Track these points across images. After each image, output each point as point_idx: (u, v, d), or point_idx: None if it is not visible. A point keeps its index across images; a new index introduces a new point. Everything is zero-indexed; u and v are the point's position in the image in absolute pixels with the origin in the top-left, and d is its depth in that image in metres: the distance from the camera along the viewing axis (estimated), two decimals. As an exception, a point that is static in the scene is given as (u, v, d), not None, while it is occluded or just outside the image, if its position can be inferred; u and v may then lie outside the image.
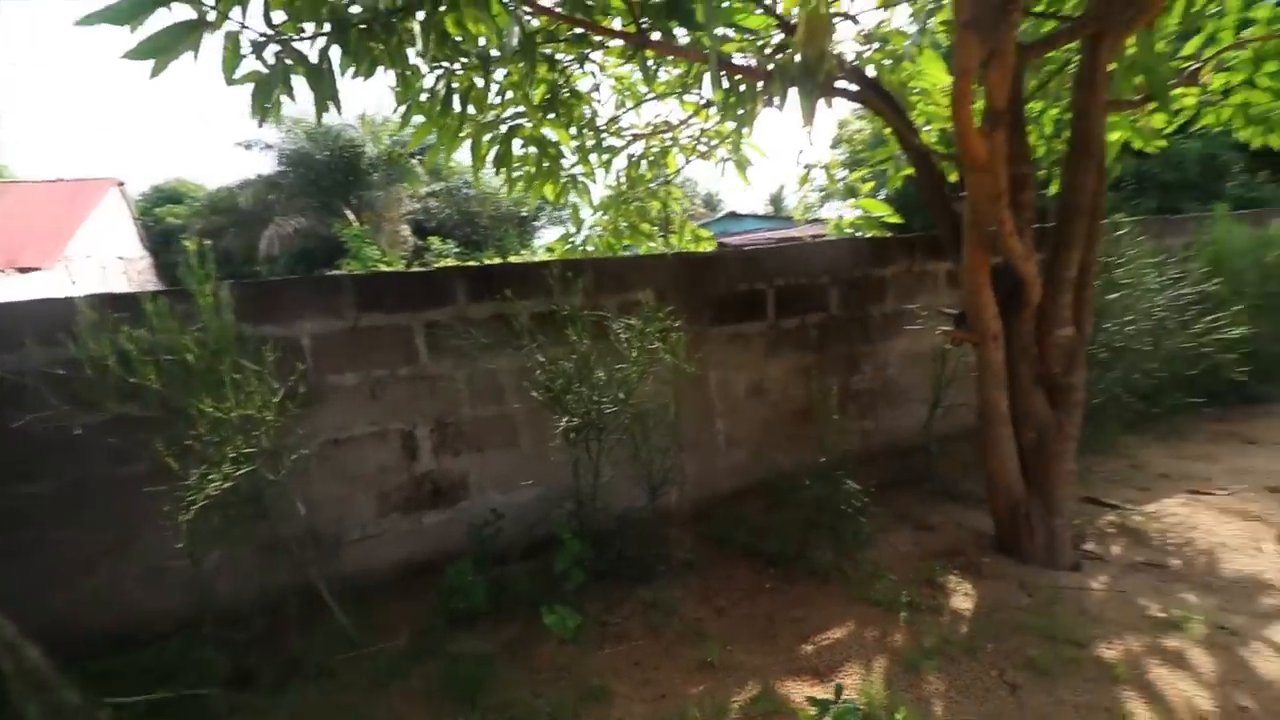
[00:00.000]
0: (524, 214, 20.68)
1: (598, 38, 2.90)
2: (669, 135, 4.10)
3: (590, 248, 4.03)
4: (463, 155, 3.46)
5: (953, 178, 3.43)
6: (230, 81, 1.74)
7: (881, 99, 2.92)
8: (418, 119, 2.77)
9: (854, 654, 2.19)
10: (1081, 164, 2.57)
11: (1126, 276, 3.73)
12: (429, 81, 2.63)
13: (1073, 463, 2.66)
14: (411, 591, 2.71)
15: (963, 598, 2.50)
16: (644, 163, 4.26)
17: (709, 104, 3.70)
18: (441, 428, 2.85)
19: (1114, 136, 3.86)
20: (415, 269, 3.59)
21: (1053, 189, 4.00)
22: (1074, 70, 2.89)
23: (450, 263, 14.46)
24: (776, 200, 35.19)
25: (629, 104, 3.82)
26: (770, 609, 2.53)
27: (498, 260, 14.21)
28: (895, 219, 4.92)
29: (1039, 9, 2.95)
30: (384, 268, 14.74)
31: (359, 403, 2.67)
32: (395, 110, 2.67)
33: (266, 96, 1.80)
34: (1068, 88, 3.30)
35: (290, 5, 1.84)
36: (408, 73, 2.40)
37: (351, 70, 2.06)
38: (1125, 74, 2.94)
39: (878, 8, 3.73)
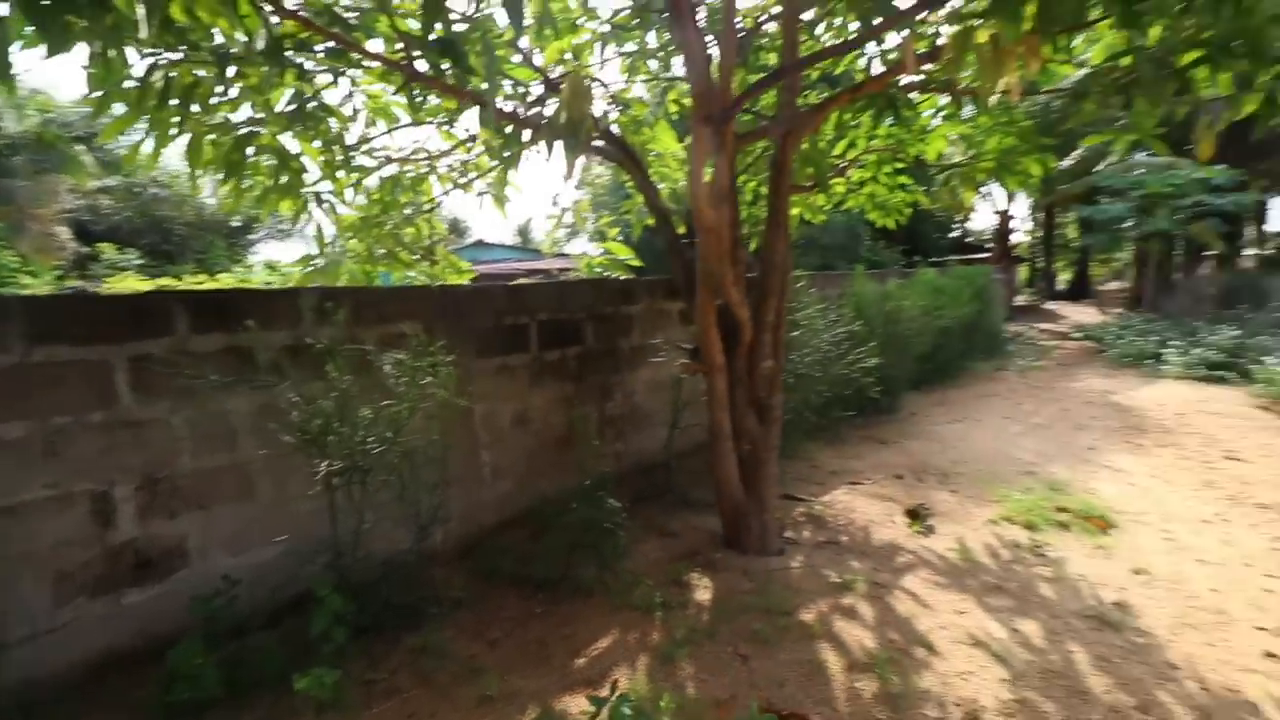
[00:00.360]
0: (235, 224, 17.74)
1: (357, 56, 2.79)
2: (426, 162, 4.05)
3: (344, 274, 3.73)
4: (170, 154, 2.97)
5: (681, 230, 4.05)
6: None
7: (631, 161, 3.34)
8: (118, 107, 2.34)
9: (621, 657, 2.43)
10: (775, 232, 3.28)
11: (803, 319, 4.76)
12: (140, 70, 2.25)
13: (775, 467, 3.33)
14: (117, 691, 2.19)
15: (703, 591, 2.93)
16: (398, 187, 4.12)
17: (472, 138, 3.77)
18: (151, 484, 2.37)
19: (794, 211, 4.93)
20: (120, 291, 2.85)
21: (753, 247, 4.95)
22: (770, 157, 3.66)
23: (132, 278, 11.66)
24: (524, 231, 35.99)
25: (382, 124, 3.69)
26: (542, 632, 2.65)
27: (230, 283, 11.89)
28: (637, 262, 5.53)
29: (748, 111, 3.69)
30: (28, 280, 11.29)
31: (28, 460, 2.10)
32: (90, 93, 2.22)
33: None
34: (765, 172, 4.15)
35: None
36: (111, 54, 2.03)
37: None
38: (801, 166, 3.85)
39: (622, 73, 4.24)
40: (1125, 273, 23.99)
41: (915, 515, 3.71)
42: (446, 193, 4.28)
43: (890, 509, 3.88)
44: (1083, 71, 2.86)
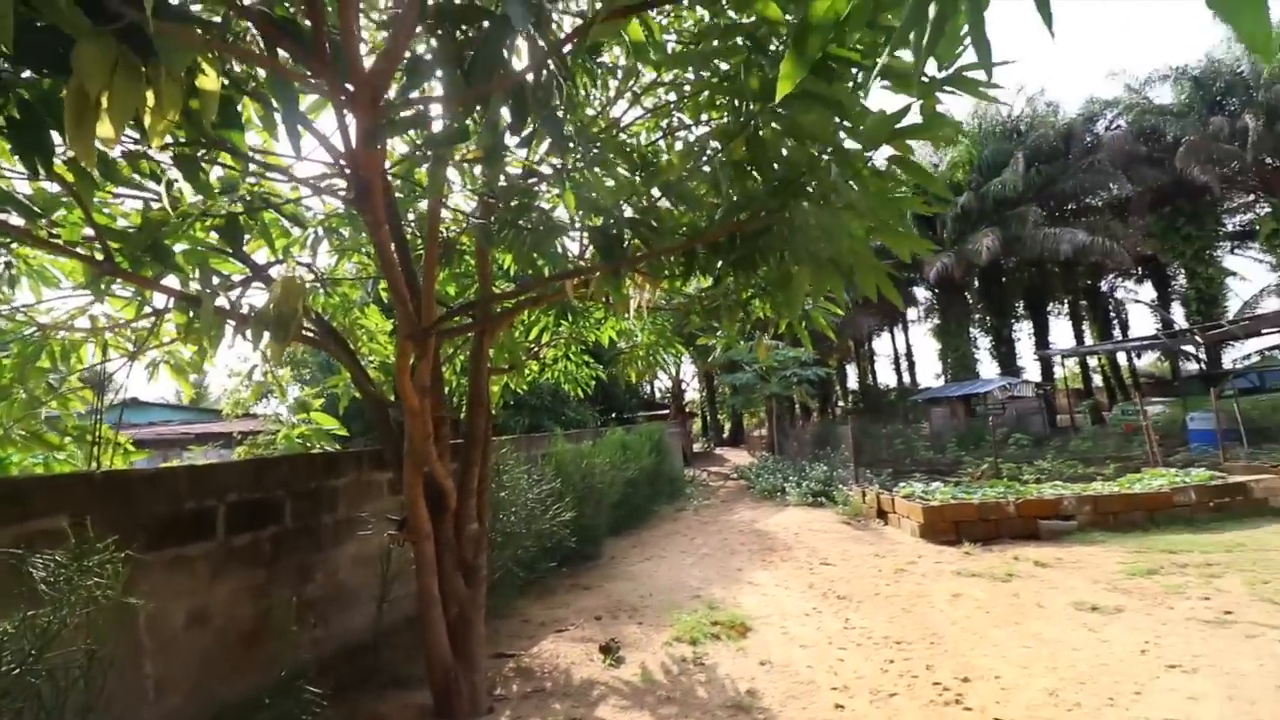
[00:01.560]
0: None
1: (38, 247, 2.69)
2: (87, 331, 3.71)
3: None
4: None
5: (391, 397, 4.36)
6: None
7: (340, 345, 3.64)
8: None
9: None
10: (476, 410, 3.84)
11: (509, 480, 5.29)
12: None
13: (483, 627, 3.60)
14: None
15: (411, 767, 2.94)
16: (43, 352, 3.64)
17: (158, 313, 3.64)
18: None
19: (496, 388, 5.63)
20: None
21: (463, 415, 5.44)
22: (471, 346, 4.31)
23: None
24: (199, 388, 30.58)
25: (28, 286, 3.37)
26: None
27: None
28: (343, 431, 5.54)
29: (453, 306, 4.33)
30: None
31: None
32: None
33: None
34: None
35: None
36: None
37: None
38: (498, 353, 4.59)
39: (330, 255, 4.60)
40: (765, 423, 30.68)
41: (608, 650, 4.25)
42: (107, 359, 3.91)
43: (589, 649, 4.37)
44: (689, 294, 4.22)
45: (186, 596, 3.27)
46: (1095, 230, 19.59)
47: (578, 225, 2.86)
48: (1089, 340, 28.57)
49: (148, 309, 3.64)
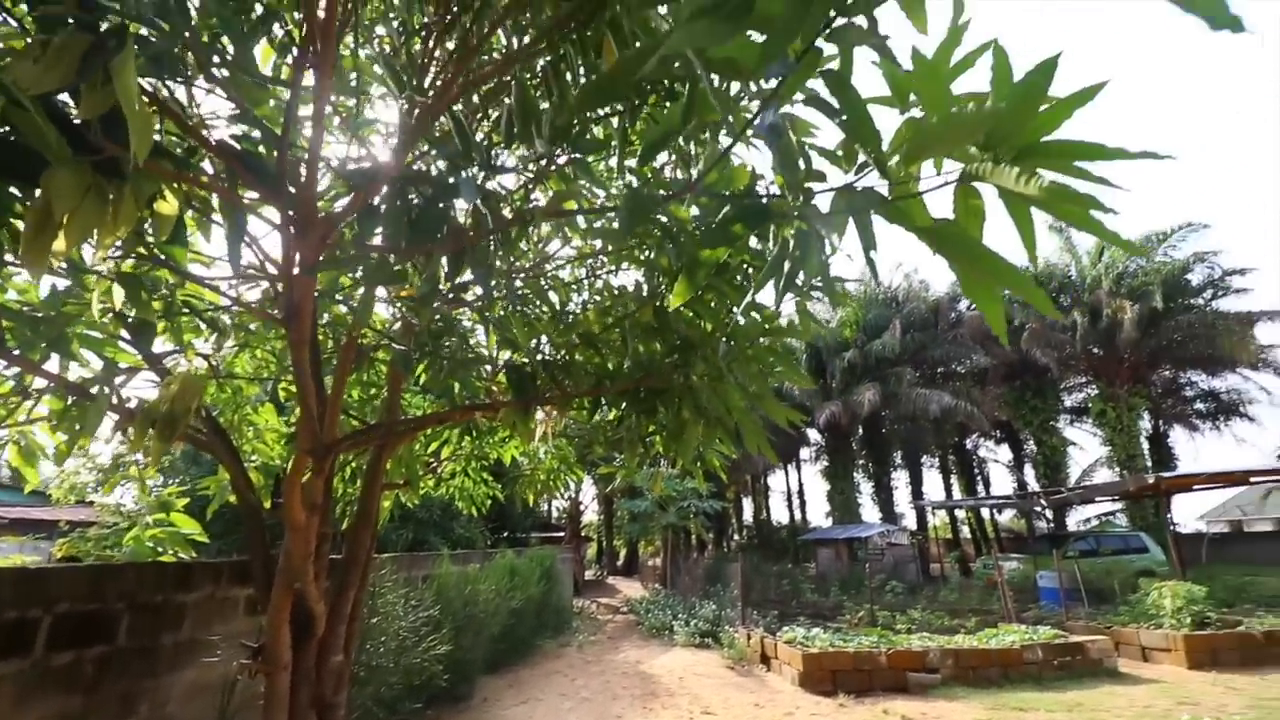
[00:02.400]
0: None
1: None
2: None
3: None
4: None
5: (267, 505, 4.12)
6: None
7: (227, 449, 3.49)
8: None
9: None
10: (364, 527, 3.71)
11: (383, 606, 4.97)
12: None
13: (333, 776, 3.24)
14: None
15: None
16: None
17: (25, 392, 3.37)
18: None
19: (387, 503, 5.44)
20: None
21: (345, 524, 5.15)
22: (368, 459, 4.23)
23: None
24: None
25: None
26: None
27: None
28: (203, 538, 5.08)
29: (354, 423, 4.30)
30: None
31: None
32: None
33: None
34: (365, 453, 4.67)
35: None
36: None
37: None
38: (394, 466, 4.51)
39: (223, 346, 4.46)
40: (660, 553, 30.21)
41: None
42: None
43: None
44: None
45: (-27, 729, 2.78)
46: (959, 395, 22.05)
47: (493, 357, 3.05)
48: (956, 493, 31.03)
49: (10, 383, 3.38)
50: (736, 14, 0.82)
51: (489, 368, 3.20)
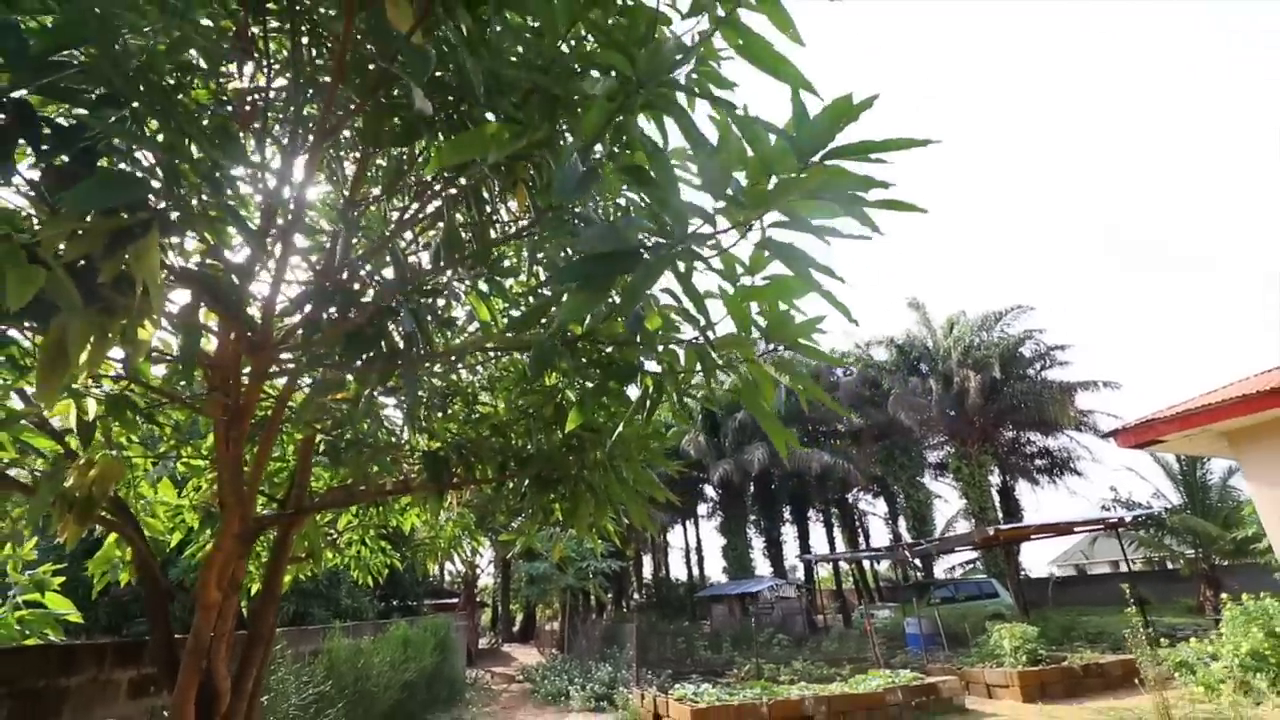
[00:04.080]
0: None
1: None
2: None
3: None
4: None
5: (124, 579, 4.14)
6: None
7: (136, 531, 3.55)
8: None
9: None
10: (269, 604, 3.83)
11: (276, 682, 4.93)
12: None
13: None
14: None
15: None
16: None
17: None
18: None
19: (288, 577, 5.44)
20: None
21: (254, 589, 5.08)
22: (274, 538, 4.34)
23: None
24: None
25: None
26: None
27: None
28: (77, 618, 4.88)
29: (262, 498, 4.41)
30: None
31: None
32: None
33: None
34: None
35: None
36: None
37: None
38: (299, 541, 4.63)
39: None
40: (558, 615, 29.55)
41: None
42: None
43: None
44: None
45: None
46: (838, 453, 23.97)
47: (408, 442, 3.44)
48: (840, 545, 33.04)
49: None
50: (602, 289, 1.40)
51: (406, 450, 3.56)
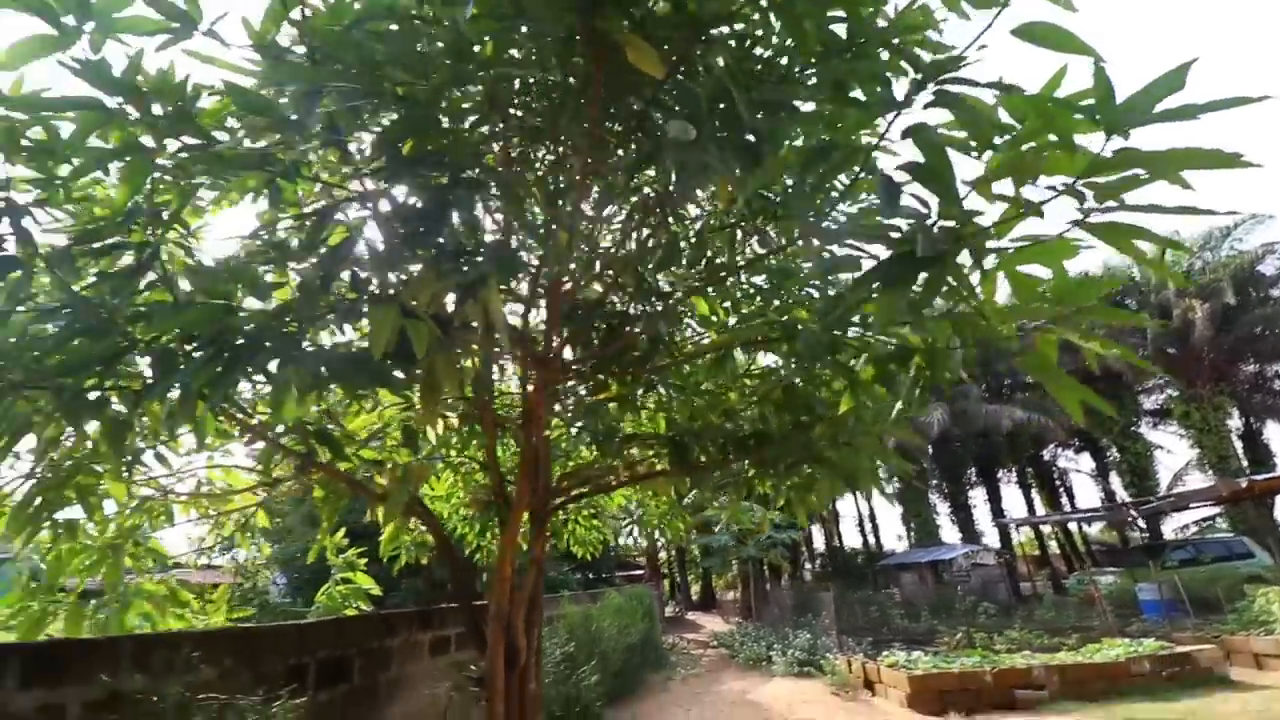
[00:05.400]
0: None
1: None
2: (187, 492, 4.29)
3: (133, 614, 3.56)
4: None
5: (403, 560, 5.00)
6: None
7: (431, 522, 4.32)
8: None
9: None
10: (537, 573, 4.48)
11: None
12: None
13: (537, 784, 3.94)
14: None
15: None
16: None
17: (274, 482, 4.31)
18: None
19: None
20: None
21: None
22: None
23: None
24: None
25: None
26: None
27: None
28: (377, 591, 5.98)
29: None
30: None
31: None
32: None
33: None
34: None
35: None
36: None
37: None
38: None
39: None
40: (736, 586, 30.12)
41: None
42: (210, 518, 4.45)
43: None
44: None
45: (282, 751, 3.61)
46: (1030, 407, 21.71)
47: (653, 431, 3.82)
48: (1039, 506, 29.98)
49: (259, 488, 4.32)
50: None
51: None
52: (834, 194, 1.99)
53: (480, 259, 2.33)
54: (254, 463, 4.28)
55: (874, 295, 1.63)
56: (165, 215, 2.61)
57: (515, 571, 4.24)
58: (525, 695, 4.11)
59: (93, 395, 2.47)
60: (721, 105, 2.00)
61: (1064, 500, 30.72)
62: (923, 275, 1.56)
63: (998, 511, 26.78)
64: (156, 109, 1.89)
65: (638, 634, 9.00)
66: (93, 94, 1.92)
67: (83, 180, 2.48)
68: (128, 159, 1.91)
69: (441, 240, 2.24)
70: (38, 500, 3.05)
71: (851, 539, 37.74)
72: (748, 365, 3.81)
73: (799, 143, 2.19)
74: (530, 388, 2.99)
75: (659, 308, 3.19)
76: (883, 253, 1.64)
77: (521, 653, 4.02)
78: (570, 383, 3.18)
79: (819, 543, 36.84)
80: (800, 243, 2.55)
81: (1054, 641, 10.49)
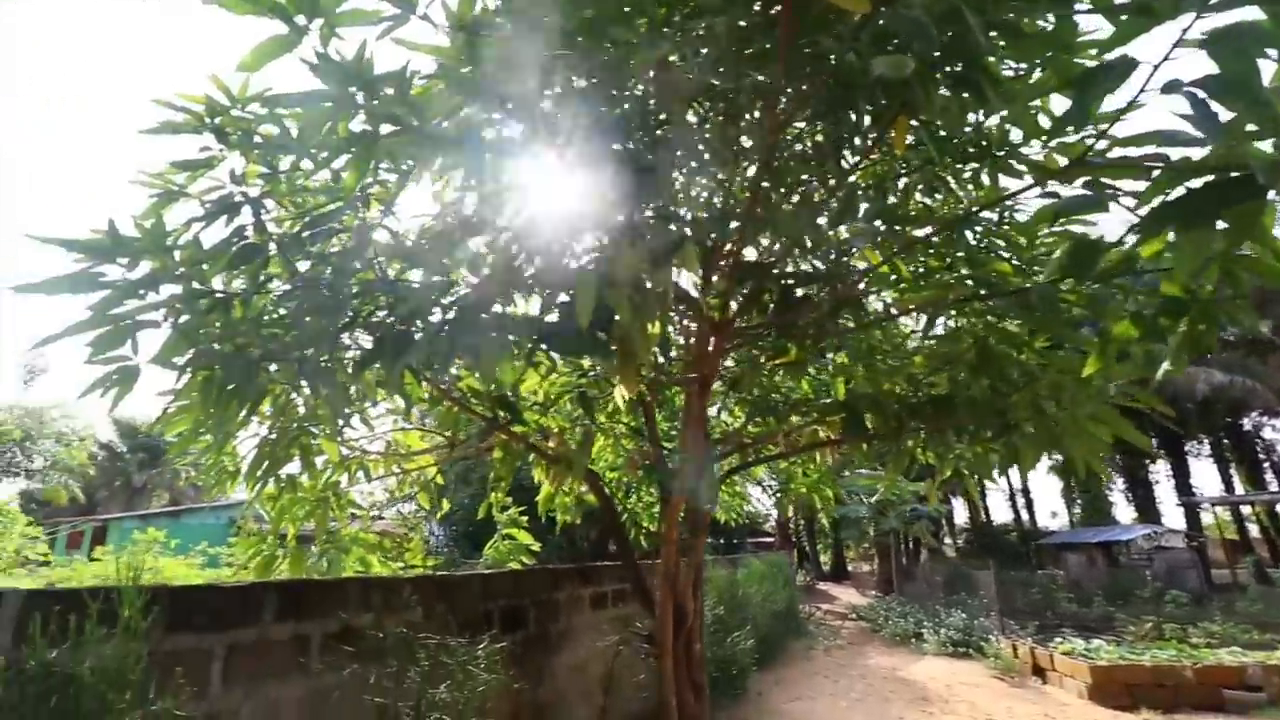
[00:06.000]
0: None
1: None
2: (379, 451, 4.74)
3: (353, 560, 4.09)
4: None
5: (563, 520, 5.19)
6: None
7: (599, 489, 4.47)
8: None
9: None
10: (700, 537, 4.52)
11: (690, 604, 5.81)
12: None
13: (707, 742, 4.04)
14: None
15: None
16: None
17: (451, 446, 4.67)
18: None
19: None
20: (227, 582, 2.80)
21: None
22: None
23: None
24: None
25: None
26: None
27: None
28: (537, 547, 6.34)
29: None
30: None
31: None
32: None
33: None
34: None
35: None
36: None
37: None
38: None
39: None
40: (871, 558, 28.98)
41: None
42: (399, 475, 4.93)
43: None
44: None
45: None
46: (1231, 369, 18.62)
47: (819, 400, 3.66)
48: (1237, 484, 25.87)
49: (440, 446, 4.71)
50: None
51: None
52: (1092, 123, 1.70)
53: (671, 225, 2.29)
54: (432, 428, 4.69)
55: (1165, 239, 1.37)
56: (374, 198, 2.83)
57: (696, 535, 4.31)
58: (691, 654, 4.20)
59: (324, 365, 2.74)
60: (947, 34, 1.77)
61: (1269, 476, 26.25)
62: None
63: (1184, 489, 23.45)
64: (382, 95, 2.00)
65: (781, 601, 8.94)
66: (318, 87, 2.05)
67: (300, 170, 2.73)
68: (354, 148, 2.05)
69: (633, 206, 2.22)
70: (266, 461, 3.52)
71: (999, 514, 34.92)
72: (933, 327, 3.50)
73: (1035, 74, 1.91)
74: (701, 351, 2.95)
75: (840, 268, 3.00)
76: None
77: (689, 613, 4.09)
78: (742, 347, 3.10)
79: (959, 517, 34.49)
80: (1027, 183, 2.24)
81: (1265, 638, 9.07)
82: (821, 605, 17.68)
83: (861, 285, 3.72)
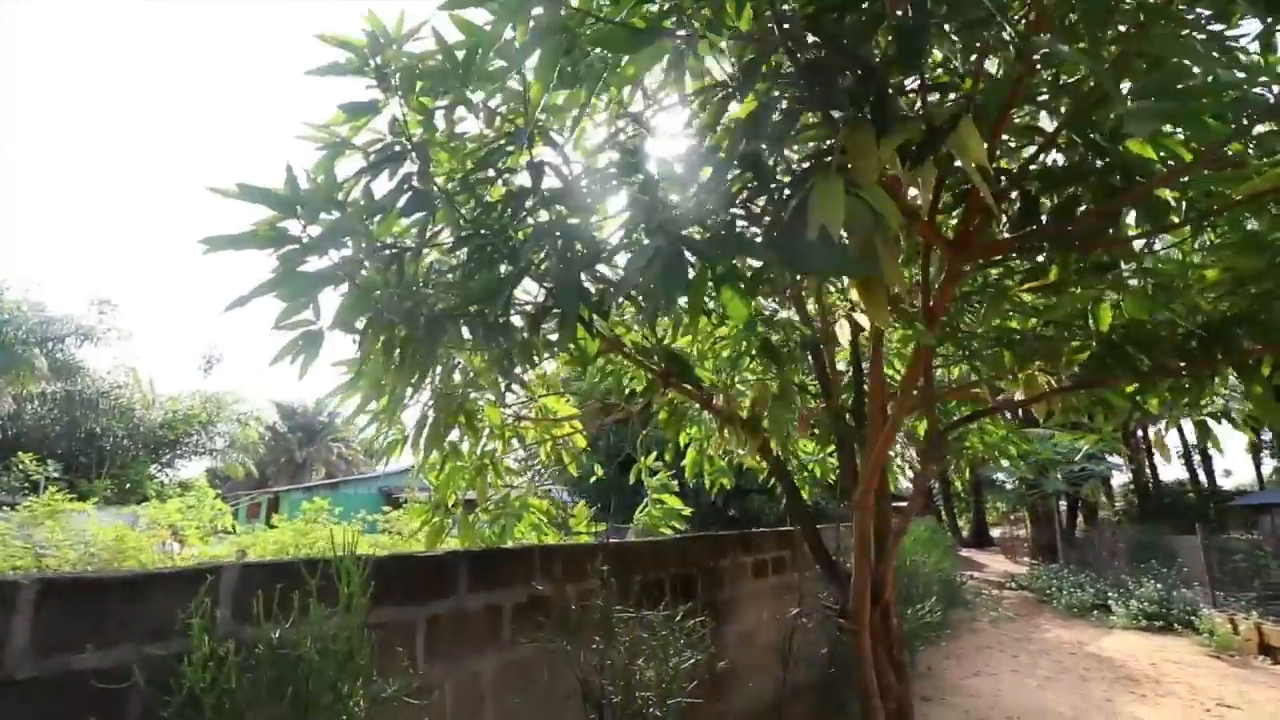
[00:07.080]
0: (165, 437, 16.73)
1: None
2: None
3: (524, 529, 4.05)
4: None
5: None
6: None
7: (781, 470, 4.07)
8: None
9: None
10: (886, 503, 4.03)
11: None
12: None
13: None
14: None
15: None
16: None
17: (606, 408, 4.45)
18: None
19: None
20: (423, 551, 2.89)
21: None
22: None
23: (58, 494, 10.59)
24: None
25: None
26: None
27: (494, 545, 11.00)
28: (688, 512, 6.08)
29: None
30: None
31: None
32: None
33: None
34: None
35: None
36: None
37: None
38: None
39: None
40: (1015, 523, 26.63)
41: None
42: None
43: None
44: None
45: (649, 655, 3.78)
46: None
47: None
48: None
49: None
50: None
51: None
52: None
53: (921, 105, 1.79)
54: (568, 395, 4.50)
55: None
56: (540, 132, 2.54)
57: (880, 502, 3.84)
58: (890, 631, 3.76)
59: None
60: None
61: None
62: None
63: None
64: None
65: (948, 569, 8.22)
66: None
67: (468, 102, 2.47)
68: (544, 45, 1.72)
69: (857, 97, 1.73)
70: (430, 427, 3.42)
71: (1168, 473, 30.92)
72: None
73: None
74: (935, 276, 2.43)
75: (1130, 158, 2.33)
76: None
77: (886, 587, 3.65)
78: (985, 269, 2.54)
79: (1118, 478, 30.84)
80: None
81: None
82: (973, 574, 16.47)
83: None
